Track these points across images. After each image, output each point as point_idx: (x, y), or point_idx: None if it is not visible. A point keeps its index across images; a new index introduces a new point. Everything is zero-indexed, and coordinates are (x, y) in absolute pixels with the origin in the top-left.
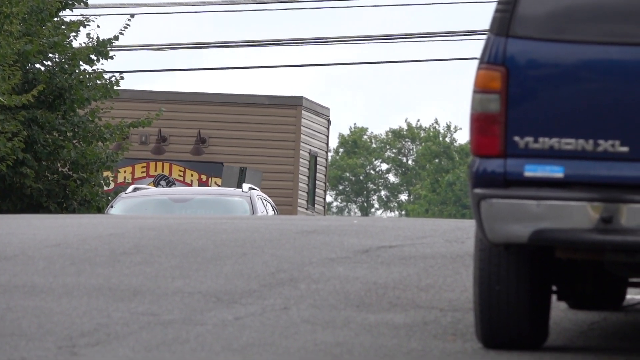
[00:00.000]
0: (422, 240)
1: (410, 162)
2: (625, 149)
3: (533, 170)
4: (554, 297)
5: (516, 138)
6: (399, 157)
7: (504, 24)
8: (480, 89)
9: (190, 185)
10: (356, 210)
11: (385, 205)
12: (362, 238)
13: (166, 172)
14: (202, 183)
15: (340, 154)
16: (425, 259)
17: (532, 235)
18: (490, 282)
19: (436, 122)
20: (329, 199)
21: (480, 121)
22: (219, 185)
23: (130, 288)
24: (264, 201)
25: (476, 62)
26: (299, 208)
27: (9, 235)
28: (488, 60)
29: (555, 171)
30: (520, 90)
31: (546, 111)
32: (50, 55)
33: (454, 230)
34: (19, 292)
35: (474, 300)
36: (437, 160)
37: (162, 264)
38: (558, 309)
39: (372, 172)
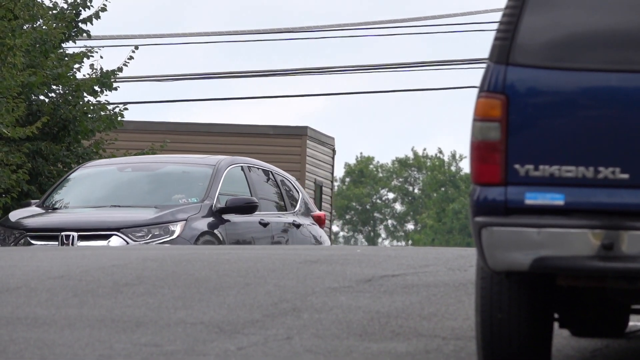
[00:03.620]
0: (424, 269)
1: (416, 190)
2: (625, 176)
3: (534, 198)
4: (556, 325)
5: (517, 166)
6: (405, 186)
7: (503, 52)
8: (480, 117)
9: None
10: (363, 240)
11: (392, 234)
12: (365, 267)
13: None
14: None
15: (346, 183)
16: (428, 288)
17: (533, 263)
18: (492, 310)
19: (440, 152)
20: (335, 228)
21: (480, 149)
22: None
23: (132, 319)
24: None
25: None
26: None
27: (12, 267)
28: (488, 88)
29: (555, 199)
30: (521, 118)
31: (546, 139)
32: (54, 86)
33: (456, 258)
34: (22, 324)
35: (475, 328)
36: (443, 189)
37: (165, 294)
38: (560, 336)
39: (379, 201)
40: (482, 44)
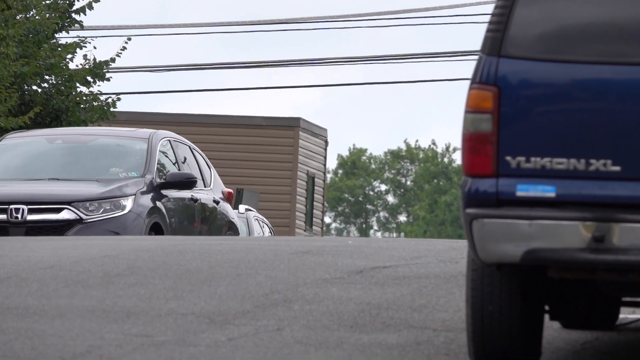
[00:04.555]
0: (416, 261)
1: (408, 182)
2: (617, 168)
3: (525, 190)
4: (546, 317)
5: (508, 158)
6: (398, 178)
7: (495, 44)
8: (472, 109)
9: None
10: (355, 231)
11: (384, 226)
12: (356, 259)
13: None
14: None
15: (339, 175)
16: (419, 279)
17: (524, 255)
18: (483, 302)
19: (434, 144)
20: (328, 220)
21: (472, 141)
22: None
23: (123, 309)
24: (260, 222)
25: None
26: (296, 229)
27: (3, 257)
28: (480, 80)
29: (547, 191)
30: (512, 110)
31: (538, 131)
32: (47, 77)
33: (447, 250)
34: (12, 314)
35: (466, 320)
36: (435, 181)
37: (156, 285)
38: (551, 328)
39: (371, 193)
40: (476, 36)
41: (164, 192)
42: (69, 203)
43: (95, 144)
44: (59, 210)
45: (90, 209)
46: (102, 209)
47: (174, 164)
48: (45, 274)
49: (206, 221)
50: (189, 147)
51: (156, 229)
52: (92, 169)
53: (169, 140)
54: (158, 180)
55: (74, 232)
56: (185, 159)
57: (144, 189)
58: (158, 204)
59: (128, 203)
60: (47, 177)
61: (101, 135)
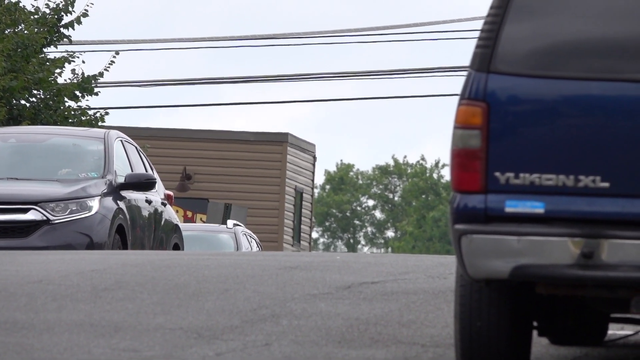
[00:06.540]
0: (404, 276)
1: (396, 198)
2: (605, 184)
3: (514, 206)
4: (535, 333)
5: (497, 174)
6: (386, 194)
7: (484, 59)
8: (461, 124)
9: None
10: (343, 246)
11: (371, 241)
12: (345, 274)
13: None
14: (187, 219)
15: (326, 190)
16: (408, 295)
17: (512, 270)
18: (471, 318)
19: (423, 159)
20: (315, 235)
21: (460, 157)
22: (204, 222)
23: (111, 324)
24: (248, 237)
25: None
26: (284, 244)
27: None
28: (469, 96)
29: (535, 207)
30: (501, 126)
31: (527, 147)
32: (35, 91)
33: (436, 266)
34: (0, 329)
35: (454, 335)
36: (423, 197)
37: (144, 300)
38: (539, 344)
39: (359, 208)
40: (465, 52)
41: (123, 193)
42: (35, 203)
43: (50, 143)
44: (25, 211)
45: (56, 209)
46: (68, 210)
47: (125, 164)
48: (34, 288)
49: (159, 224)
50: (135, 147)
51: (119, 231)
52: (50, 168)
53: (121, 140)
54: (117, 181)
55: (41, 233)
56: (134, 159)
57: (106, 189)
58: (120, 204)
59: (94, 204)
60: (4, 177)
61: (55, 135)
